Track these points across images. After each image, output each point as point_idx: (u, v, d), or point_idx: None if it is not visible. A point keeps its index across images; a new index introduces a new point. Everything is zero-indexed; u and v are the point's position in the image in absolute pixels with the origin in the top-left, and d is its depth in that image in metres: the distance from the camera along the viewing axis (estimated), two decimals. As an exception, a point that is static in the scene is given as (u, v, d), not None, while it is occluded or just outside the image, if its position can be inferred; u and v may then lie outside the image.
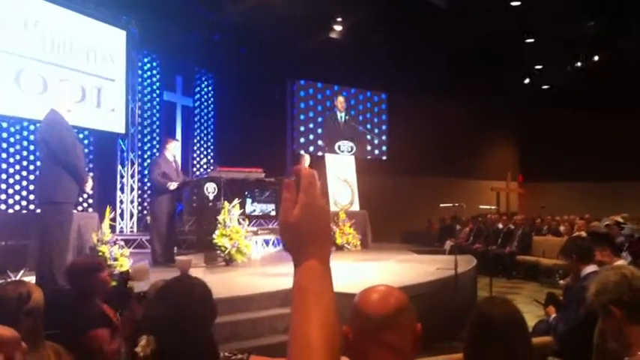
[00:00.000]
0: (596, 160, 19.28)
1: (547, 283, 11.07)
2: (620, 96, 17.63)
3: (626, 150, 18.87)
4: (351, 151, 17.09)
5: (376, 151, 18.24)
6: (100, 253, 6.76)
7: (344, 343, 1.53)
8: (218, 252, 8.31)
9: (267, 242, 10.95)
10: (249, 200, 10.41)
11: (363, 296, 1.67)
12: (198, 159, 14.11)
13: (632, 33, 14.15)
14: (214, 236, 8.27)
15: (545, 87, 19.68)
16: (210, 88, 14.55)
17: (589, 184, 19.85)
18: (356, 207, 12.84)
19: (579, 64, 17.42)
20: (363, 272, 8.07)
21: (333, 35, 14.80)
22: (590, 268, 4.15)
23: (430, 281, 7.10)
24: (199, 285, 2.08)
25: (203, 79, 14.39)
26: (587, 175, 19.44)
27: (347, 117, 17.60)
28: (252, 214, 10.58)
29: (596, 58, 16.82)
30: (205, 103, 14.43)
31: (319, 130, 17.00)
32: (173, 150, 8.81)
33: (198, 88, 14.27)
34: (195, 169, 13.82)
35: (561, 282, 9.34)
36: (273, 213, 11.33)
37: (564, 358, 3.60)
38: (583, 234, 10.79)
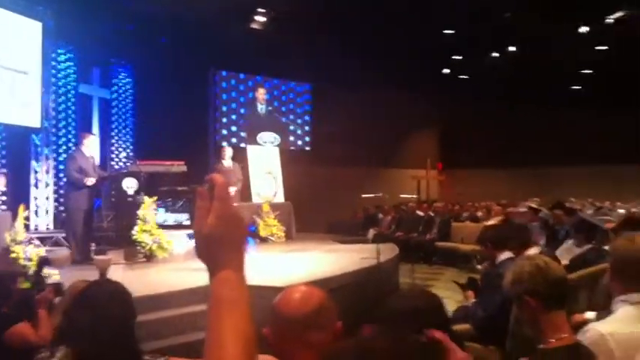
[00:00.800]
0: (515, 147, 20.05)
1: (466, 269, 11.43)
2: (538, 86, 18.34)
3: (545, 138, 19.72)
4: (274, 142, 16.99)
5: (300, 142, 18.21)
6: (14, 254, 6.49)
7: (264, 345, 1.53)
8: (138, 248, 8.12)
9: (190, 236, 10.76)
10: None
11: (283, 297, 1.67)
12: (116, 153, 13.64)
13: (548, 25, 14.69)
14: (134, 232, 8.08)
15: (463, 77, 20.22)
16: (128, 80, 14.06)
17: (508, 171, 20.63)
18: (280, 198, 12.82)
19: (497, 54, 17.96)
20: (288, 264, 8.09)
21: (256, 26, 14.66)
22: (505, 255, 4.33)
23: (354, 271, 7.19)
24: (118, 290, 2.03)
25: (121, 70, 13.88)
26: (506, 163, 20.20)
27: (269, 108, 17.48)
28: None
29: (513, 48, 17.37)
30: (123, 95, 13.93)
31: (241, 122, 16.81)
32: (90, 144, 8.56)
33: (116, 80, 13.76)
34: (114, 164, 13.39)
35: (479, 267, 9.70)
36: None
37: (482, 344, 3.73)
38: (498, 219, 11.25)
